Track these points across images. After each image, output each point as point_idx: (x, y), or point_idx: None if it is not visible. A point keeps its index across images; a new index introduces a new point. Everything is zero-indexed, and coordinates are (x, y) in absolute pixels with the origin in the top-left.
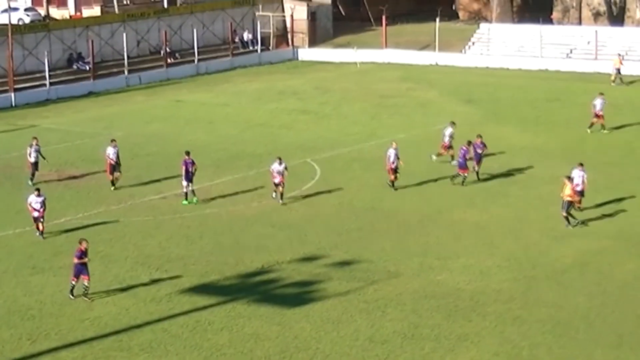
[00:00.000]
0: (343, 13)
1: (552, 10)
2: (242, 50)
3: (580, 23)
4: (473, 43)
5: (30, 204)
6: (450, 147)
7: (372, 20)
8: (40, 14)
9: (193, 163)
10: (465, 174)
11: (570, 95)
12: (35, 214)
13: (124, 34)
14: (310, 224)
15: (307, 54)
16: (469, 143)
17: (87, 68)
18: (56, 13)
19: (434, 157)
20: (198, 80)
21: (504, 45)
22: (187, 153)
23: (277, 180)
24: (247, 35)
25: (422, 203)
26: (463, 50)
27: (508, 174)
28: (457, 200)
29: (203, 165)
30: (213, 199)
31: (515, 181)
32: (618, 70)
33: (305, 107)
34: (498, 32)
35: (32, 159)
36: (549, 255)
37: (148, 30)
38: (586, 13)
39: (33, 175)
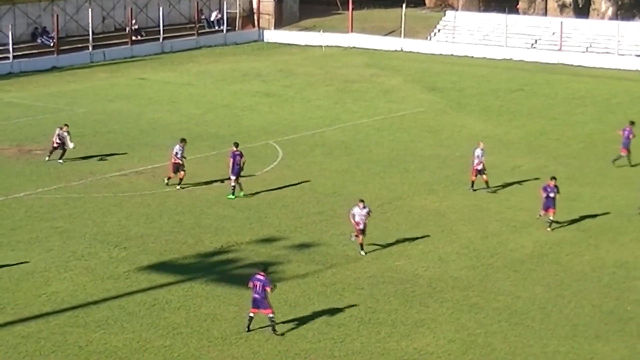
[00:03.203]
0: None
1: (518, 0)
2: (207, 29)
3: (545, 14)
4: (439, 30)
5: None
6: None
7: (339, 4)
8: None
9: (241, 155)
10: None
11: (533, 86)
12: None
13: (90, 10)
14: (270, 207)
15: (272, 35)
16: (632, 123)
17: (51, 43)
18: None
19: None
20: (163, 58)
21: (469, 34)
22: (236, 145)
23: (362, 227)
24: (214, 15)
25: (383, 189)
26: (428, 37)
27: (469, 162)
28: (418, 188)
29: (165, 144)
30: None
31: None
32: None
33: (269, 90)
34: (464, 20)
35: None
36: (507, 244)
37: (114, 6)
38: (552, 4)
39: (53, 154)
